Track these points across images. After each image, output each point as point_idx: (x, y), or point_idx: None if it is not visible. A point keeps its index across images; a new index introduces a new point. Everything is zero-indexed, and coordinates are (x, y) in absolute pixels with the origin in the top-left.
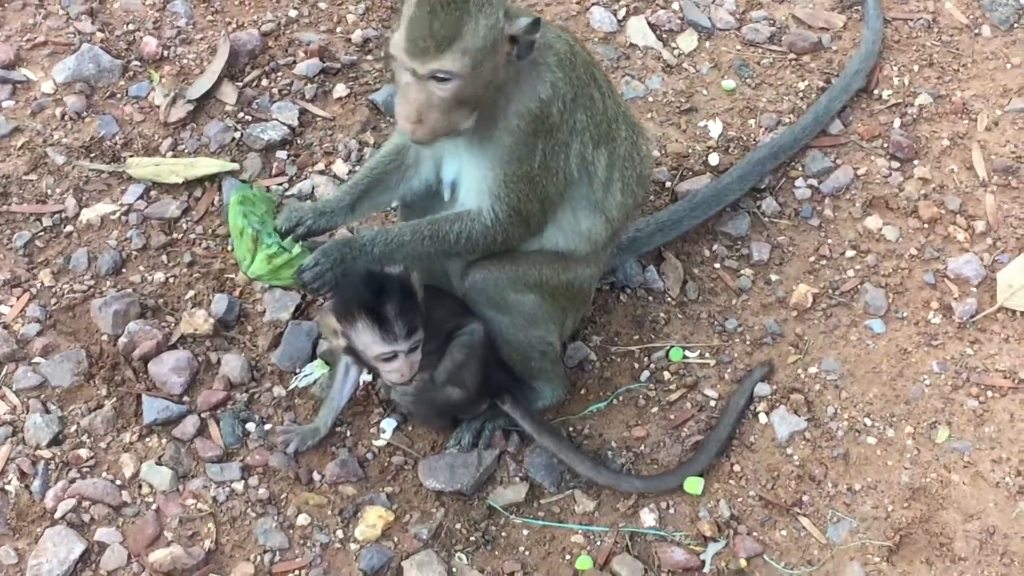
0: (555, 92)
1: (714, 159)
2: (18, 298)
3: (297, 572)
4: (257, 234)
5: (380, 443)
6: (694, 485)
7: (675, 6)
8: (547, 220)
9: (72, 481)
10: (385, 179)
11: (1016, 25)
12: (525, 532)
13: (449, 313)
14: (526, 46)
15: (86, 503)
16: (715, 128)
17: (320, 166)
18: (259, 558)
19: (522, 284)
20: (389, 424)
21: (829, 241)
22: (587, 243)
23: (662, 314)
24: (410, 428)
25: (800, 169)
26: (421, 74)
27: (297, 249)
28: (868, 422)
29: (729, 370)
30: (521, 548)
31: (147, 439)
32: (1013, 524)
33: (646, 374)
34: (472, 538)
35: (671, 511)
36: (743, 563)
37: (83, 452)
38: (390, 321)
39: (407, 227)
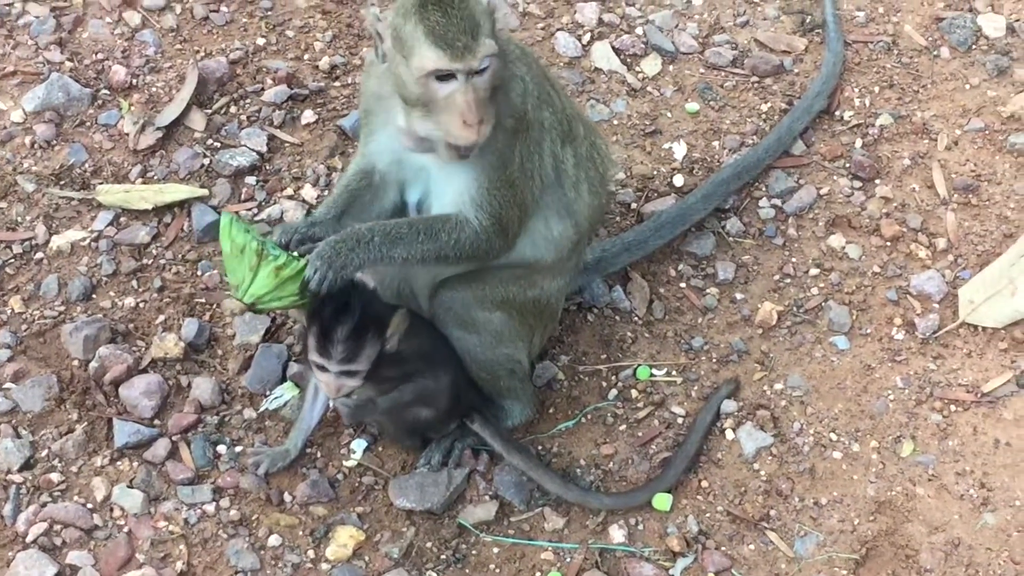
0: (526, 88)
1: (679, 180)
2: None
3: None
4: (262, 247)
5: (350, 463)
6: (662, 501)
7: (639, 31)
8: (521, 230)
9: (44, 505)
10: (360, 197)
11: (974, 47)
12: (495, 550)
13: (420, 354)
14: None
15: (58, 527)
16: (679, 150)
17: (289, 191)
18: None
19: (489, 302)
20: (359, 445)
21: (793, 260)
22: (555, 251)
23: (629, 333)
24: (380, 448)
25: (764, 189)
26: (473, 69)
27: (302, 261)
28: (834, 437)
29: (696, 387)
30: (491, 566)
31: (118, 462)
32: (977, 535)
33: (614, 392)
34: (443, 556)
35: (640, 527)
36: None
37: (54, 476)
38: (332, 341)
39: (403, 222)
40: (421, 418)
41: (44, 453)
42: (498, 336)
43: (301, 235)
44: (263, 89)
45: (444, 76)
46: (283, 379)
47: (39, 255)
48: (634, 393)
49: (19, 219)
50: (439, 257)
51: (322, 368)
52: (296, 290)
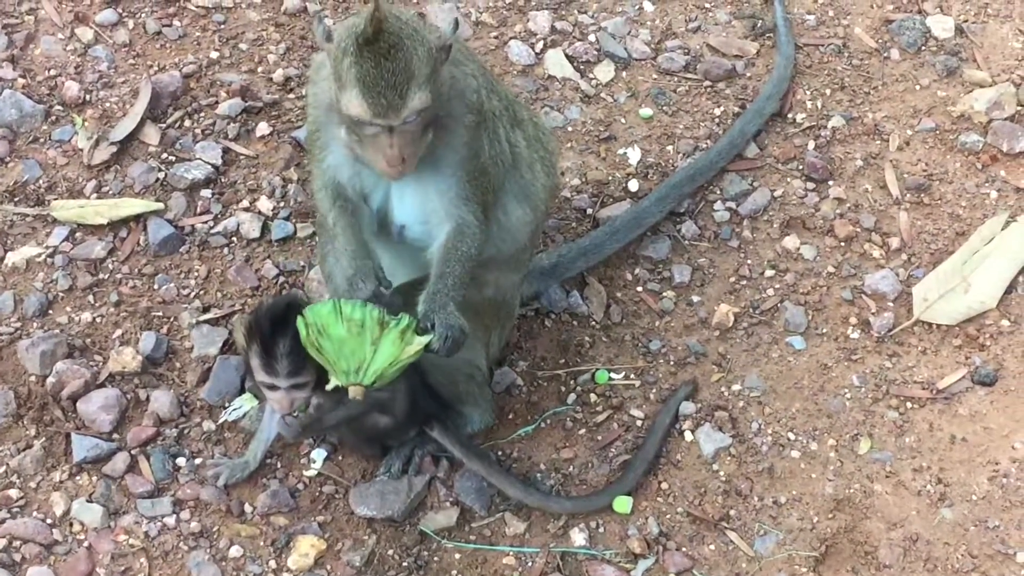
0: (477, 82)
1: (634, 185)
2: None
3: None
4: (382, 316)
5: (311, 473)
6: (623, 504)
7: (592, 38)
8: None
9: (2, 521)
10: (357, 215)
11: (923, 48)
12: (457, 556)
13: None
14: (449, 48)
15: (17, 542)
16: (634, 155)
17: (245, 203)
18: None
19: None
20: (319, 454)
21: (749, 262)
22: (512, 240)
23: (587, 338)
24: (340, 457)
25: (718, 192)
26: (394, 127)
27: (412, 319)
28: (792, 436)
29: (654, 390)
30: (454, 572)
31: (77, 477)
32: (935, 531)
33: (572, 397)
34: (404, 564)
35: (601, 530)
36: None
37: (13, 492)
38: (276, 357)
39: (445, 266)
40: (380, 426)
41: (2, 469)
42: None
43: (383, 299)
44: (217, 102)
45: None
46: (242, 391)
47: None
48: (593, 397)
49: None
50: (472, 269)
51: (271, 387)
52: (412, 356)
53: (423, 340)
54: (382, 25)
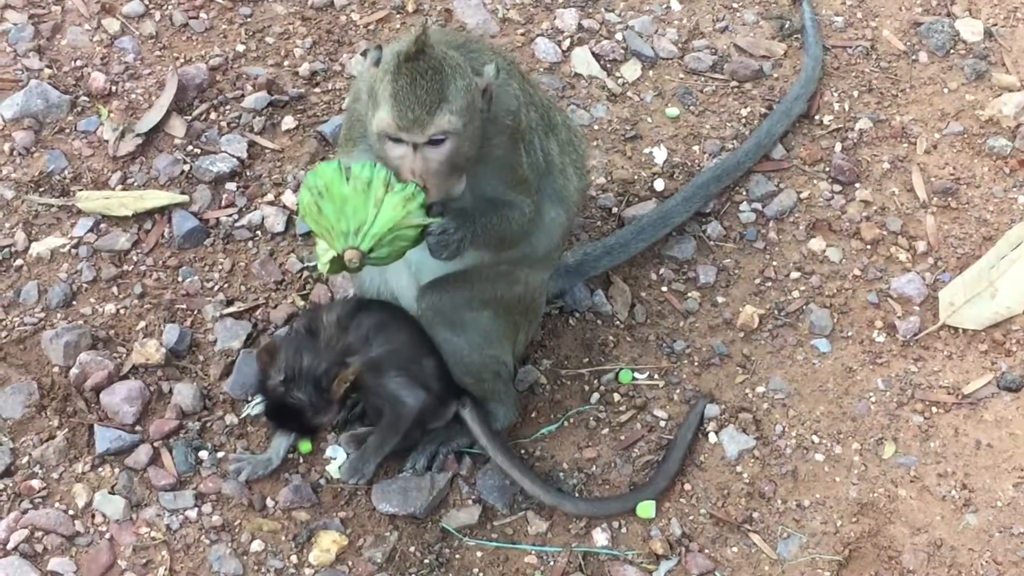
0: (518, 101)
1: (659, 185)
2: None
3: None
4: (389, 177)
5: (333, 469)
6: (646, 509)
7: (618, 36)
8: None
9: (24, 512)
10: None
11: (952, 51)
12: (479, 554)
13: (397, 359)
14: (492, 95)
15: (39, 533)
16: (660, 155)
17: (269, 197)
18: None
19: (478, 302)
20: (337, 452)
21: (774, 263)
22: (546, 239)
23: (611, 337)
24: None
25: (744, 193)
26: (419, 143)
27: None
28: (816, 439)
29: (678, 391)
30: (475, 570)
31: (99, 469)
32: (959, 536)
33: (596, 396)
34: (426, 561)
35: (623, 530)
36: None
37: (35, 483)
38: (284, 429)
39: (494, 218)
40: (419, 407)
41: (25, 460)
42: (486, 336)
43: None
44: (243, 95)
45: (396, 139)
46: None
47: (19, 262)
48: (616, 397)
49: None
50: (502, 241)
51: None
52: (410, 231)
53: (425, 219)
54: (425, 47)
